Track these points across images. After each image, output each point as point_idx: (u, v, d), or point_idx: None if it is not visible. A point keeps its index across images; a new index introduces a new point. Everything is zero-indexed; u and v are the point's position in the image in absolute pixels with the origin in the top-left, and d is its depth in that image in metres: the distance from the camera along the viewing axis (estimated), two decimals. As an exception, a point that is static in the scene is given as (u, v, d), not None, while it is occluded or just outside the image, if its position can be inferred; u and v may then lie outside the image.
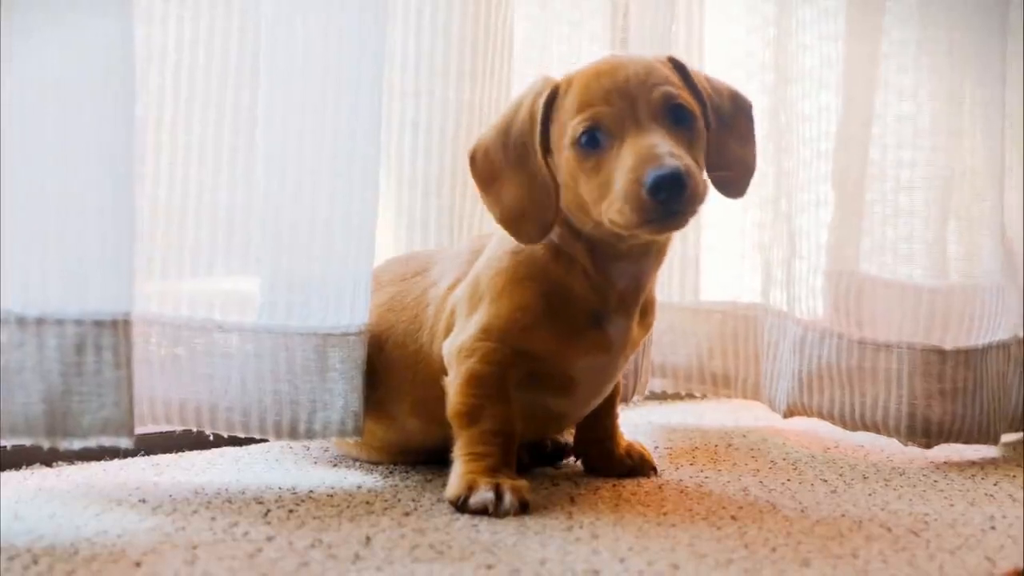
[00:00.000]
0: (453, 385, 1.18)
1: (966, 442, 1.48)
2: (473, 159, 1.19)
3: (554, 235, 1.18)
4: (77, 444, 1.04)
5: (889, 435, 1.48)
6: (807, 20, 1.56)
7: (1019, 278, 1.61)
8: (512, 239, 1.18)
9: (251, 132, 1.23)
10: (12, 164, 1.02)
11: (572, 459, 1.36)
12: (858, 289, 1.53)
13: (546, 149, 1.15)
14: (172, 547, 0.97)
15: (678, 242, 1.68)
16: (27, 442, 1.05)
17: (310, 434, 1.22)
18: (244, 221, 1.23)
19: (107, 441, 1.05)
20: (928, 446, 1.48)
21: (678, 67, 1.17)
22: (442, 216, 1.47)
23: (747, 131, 1.22)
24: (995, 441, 1.51)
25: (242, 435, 1.24)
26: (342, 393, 1.22)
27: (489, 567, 0.94)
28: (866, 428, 1.50)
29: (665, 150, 1.06)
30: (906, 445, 1.49)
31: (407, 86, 1.45)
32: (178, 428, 1.24)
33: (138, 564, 0.92)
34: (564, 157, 1.13)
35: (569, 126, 1.12)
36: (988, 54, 1.53)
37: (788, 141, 1.58)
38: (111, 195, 1.06)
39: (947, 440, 1.47)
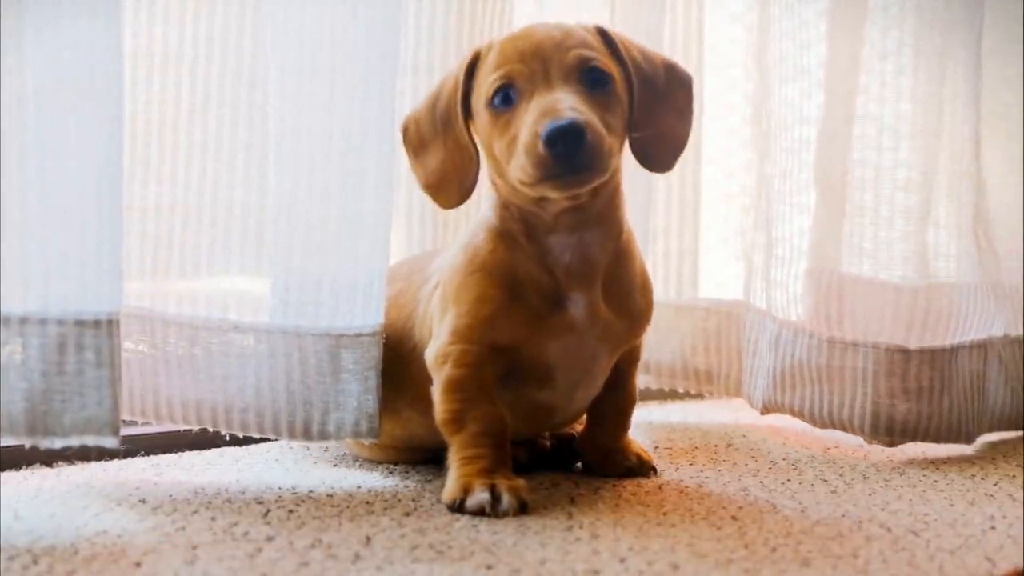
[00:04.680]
0: (436, 393, 1.18)
1: (934, 441, 1.48)
2: (405, 130, 1.22)
3: (495, 217, 1.19)
4: (59, 443, 1.05)
5: (855, 433, 1.49)
6: (792, 21, 1.56)
7: (1007, 278, 1.62)
8: (468, 239, 1.21)
9: (264, 130, 1.24)
10: (-4, 164, 1.03)
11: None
12: (835, 288, 1.53)
13: (468, 115, 1.18)
14: (172, 547, 0.97)
15: (661, 239, 1.68)
16: (8, 441, 1.05)
17: (324, 435, 1.23)
18: (258, 220, 1.24)
19: (90, 440, 1.05)
20: (892, 444, 1.48)
21: (604, 35, 1.18)
22: (427, 214, 1.48)
23: (684, 104, 1.23)
24: (968, 441, 1.50)
25: (257, 435, 1.24)
26: (355, 394, 1.22)
27: (489, 567, 0.94)
28: (834, 426, 1.50)
29: (567, 105, 1.08)
30: (870, 443, 1.50)
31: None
32: (195, 428, 1.25)
33: (138, 564, 0.92)
34: (480, 119, 1.15)
35: (484, 87, 1.14)
36: (964, 54, 1.53)
37: (775, 142, 1.58)
38: (96, 196, 1.06)
39: (913, 439, 1.47)
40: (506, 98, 1.13)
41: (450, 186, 1.19)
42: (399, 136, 1.24)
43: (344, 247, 1.22)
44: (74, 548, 0.96)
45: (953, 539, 1.07)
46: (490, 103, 1.13)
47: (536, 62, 1.12)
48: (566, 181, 1.09)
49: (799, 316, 1.54)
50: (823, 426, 1.51)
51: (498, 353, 1.18)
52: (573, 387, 1.22)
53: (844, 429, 1.50)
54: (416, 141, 1.21)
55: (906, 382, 1.47)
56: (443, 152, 1.19)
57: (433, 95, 1.21)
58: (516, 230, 1.18)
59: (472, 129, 1.18)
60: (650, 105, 1.19)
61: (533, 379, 1.20)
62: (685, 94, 1.23)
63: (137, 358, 1.23)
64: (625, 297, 1.22)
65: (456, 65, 1.21)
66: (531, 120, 1.09)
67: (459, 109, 1.17)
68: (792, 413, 1.54)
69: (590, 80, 1.12)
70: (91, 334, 1.05)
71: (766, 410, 1.56)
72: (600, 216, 1.18)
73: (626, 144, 1.19)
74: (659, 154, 1.21)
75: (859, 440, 1.51)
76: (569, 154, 1.06)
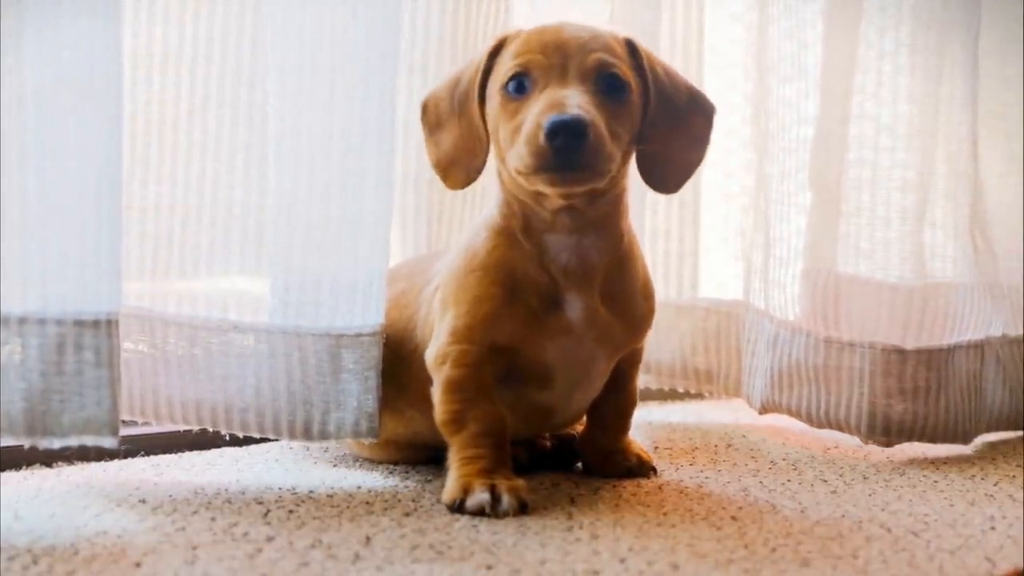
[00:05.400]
0: (435, 394, 1.18)
1: (931, 441, 1.48)
2: (425, 107, 1.23)
3: (498, 214, 1.20)
4: (58, 443, 1.05)
5: (851, 433, 1.49)
6: (791, 21, 1.56)
7: (1005, 278, 1.62)
8: (469, 238, 1.21)
9: (264, 130, 1.24)
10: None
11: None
12: (832, 288, 1.53)
13: (484, 99, 1.18)
14: (172, 547, 0.97)
15: (661, 239, 1.68)
16: (7, 441, 1.05)
17: (324, 435, 1.23)
18: (258, 220, 1.25)
19: (90, 440, 1.05)
20: (888, 444, 1.48)
21: (631, 47, 1.18)
22: (420, 214, 1.48)
23: (701, 132, 1.23)
24: (965, 441, 1.51)
25: (257, 435, 1.25)
26: (355, 394, 1.22)
27: (489, 567, 0.94)
28: (830, 426, 1.50)
29: (574, 102, 1.08)
30: (866, 443, 1.50)
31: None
32: (195, 428, 1.25)
33: (138, 564, 0.92)
34: (492, 103, 1.16)
35: (501, 71, 1.15)
36: (962, 54, 1.53)
37: (774, 142, 1.58)
38: (96, 196, 1.06)
39: (909, 439, 1.48)
40: (520, 86, 1.13)
41: (459, 168, 1.20)
42: (402, 134, 1.23)
43: (344, 247, 1.22)
44: (74, 548, 0.96)
45: (953, 539, 1.07)
46: (504, 88, 1.14)
47: (556, 56, 1.12)
48: (562, 176, 1.09)
49: (797, 316, 1.54)
50: (820, 426, 1.51)
51: (497, 353, 1.18)
52: (571, 388, 1.22)
53: (841, 429, 1.50)
54: (433, 120, 1.22)
55: (902, 382, 1.47)
56: (456, 133, 1.20)
57: (455, 76, 1.22)
58: (516, 227, 1.18)
59: (485, 113, 1.18)
60: (664, 124, 1.19)
61: (532, 380, 1.20)
62: (704, 122, 1.23)
63: (137, 358, 1.23)
64: (625, 302, 1.22)
65: (481, 49, 1.21)
66: (537, 111, 1.09)
67: (476, 92, 1.18)
68: (790, 413, 1.54)
69: (606, 85, 1.13)
70: (90, 334, 1.05)
71: (764, 410, 1.56)
72: (599, 223, 1.18)
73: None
74: (664, 175, 1.22)
75: (857, 440, 1.51)
76: (567, 149, 1.06)
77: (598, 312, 1.19)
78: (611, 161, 1.10)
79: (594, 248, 1.18)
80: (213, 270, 1.26)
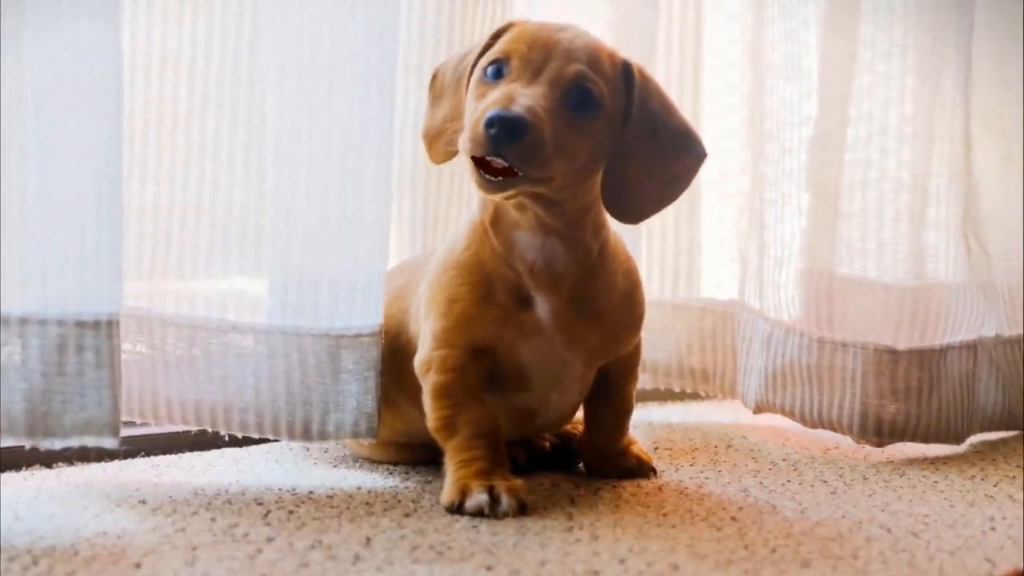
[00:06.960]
0: (425, 401, 1.18)
1: (923, 441, 1.49)
2: (434, 76, 1.24)
3: (479, 208, 1.19)
4: (59, 444, 1.04)
5: (844, 433, 1.49)
6: (789, 22, 1.55)
7: (1002, 278, 1.62)
8: (453, 234, 1.22)
9: (263, 131, 1.24)
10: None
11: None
12: (826, 288, 1.53)
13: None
14: (172, 548, 0.97)
15: (658, 238, 1.68)
16: (8, 441, 1.06)
17: (323, 435, 1.23)
18: (257, 220, 1.24)
19: (90, 441, 1.05)
20: (880, 445, 1.49)
21: (626, 69, 1.16)
22: (416, 216, 1.48)
23: (681, 173, 1.19)
24: (957, 441, 1.51)
25: (256, 436, 1.25)
26: (355, 394, 1.22)
27: (489, 568, 0.94)
28: (823, 426, 1.50)
29: (524, 100, 1.07)
30: (858, 444, 1.50)
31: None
32: (194, 428, 1.25)
33: (138, 565, 0.92)
34: (472, 82, 1.15)
35: (487, 55, 1.14)
36: (956, 56, 1.53)
37: (770, 143, 1.58)
38: (96, 196, 1.05)
39: (901, 439, 1.48)
40: (497, 71, 1.12)
41: (442, 141, 1.20)
42: (398, 136, 1.23)
43: (343, 247, 1.22)
44: (74, 549, 0.96)
45: (953, 540, 1.07)
46: (483, 70, 1.13)
47: (538, 54, 1.11)
48: (486, 175, 1.08)
49: (791, 316, 1.54)
50: (813, 426, 1.52)
51: (477, 356, 1.18)
52: (548, 391, 1.22)
53: (833, 429, 1.50)
54: (438, 90, 1.22)
55: (895, 383, 1.47)
56: (448, 108, 1.20)
57: (465, 52, 1.21)
58: (488, 221, 1.18)
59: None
60: (640, 154, 1.16)
61: (510, 382, 1.20)
62: (689, 164, 1.19)
63: (135, 359, 1.23)
64: (601, 313, 1.20)
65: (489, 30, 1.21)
66: (491, 99, 1.08)
67: (470, 70, 1.17)
68: (783, 413, 1.54)
69: (576, 98, 1.10)
70: (91, 335, 1.05)
71: (758, 409, 1.56)
72: (561, 232, 1.16)
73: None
74: (625, 203, 1.17)
75: (853, 440, 1.52)
76: (499, 142, 1.04)
77: (567, 316, 1.18)
78: (548, 168, 1.08)
79: (560, 255, 1.17)
80: (212, 270, 1.26)
